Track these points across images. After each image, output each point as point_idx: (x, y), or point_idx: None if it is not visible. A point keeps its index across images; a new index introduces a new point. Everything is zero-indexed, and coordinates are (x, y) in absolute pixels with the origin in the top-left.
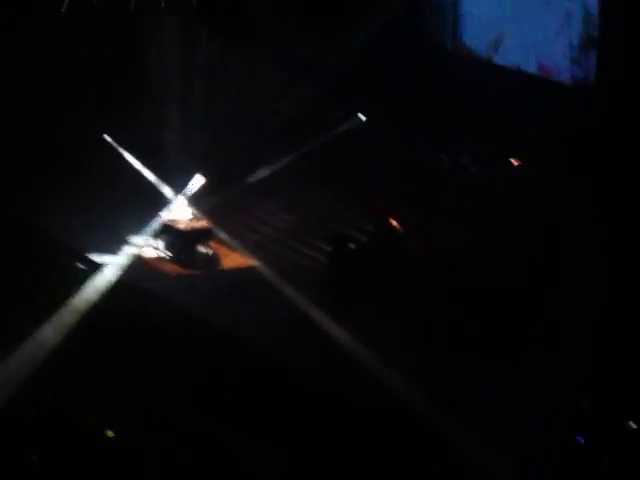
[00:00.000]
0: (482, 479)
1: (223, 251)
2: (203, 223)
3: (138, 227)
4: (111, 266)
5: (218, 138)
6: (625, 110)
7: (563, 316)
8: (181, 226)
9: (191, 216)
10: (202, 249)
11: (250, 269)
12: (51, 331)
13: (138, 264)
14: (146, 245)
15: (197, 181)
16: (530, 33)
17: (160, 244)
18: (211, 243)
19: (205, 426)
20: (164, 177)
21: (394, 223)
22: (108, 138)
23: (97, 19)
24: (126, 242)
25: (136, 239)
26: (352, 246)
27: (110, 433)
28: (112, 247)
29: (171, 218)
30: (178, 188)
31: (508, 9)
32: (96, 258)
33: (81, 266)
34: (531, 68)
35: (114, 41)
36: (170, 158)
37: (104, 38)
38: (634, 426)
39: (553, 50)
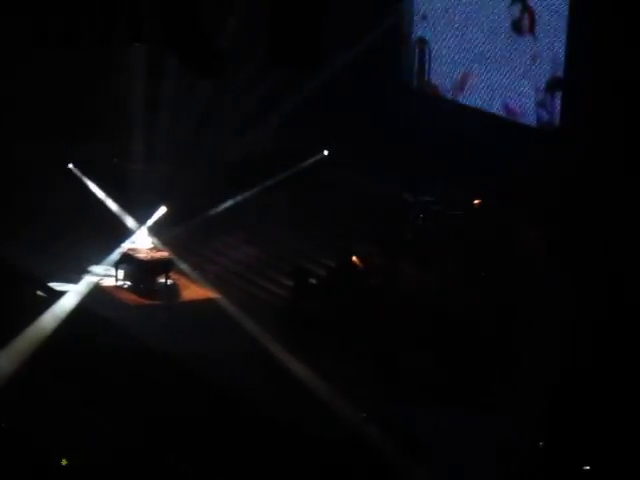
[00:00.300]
0: None
1: (183, 282)
2: (164, 253)
3: (99, 256)
4: (71, 294)
5: (182, 170)
6: (590, 153)
7: (521, 356)
8: (141, 256)
9: (152, 246)
10: (162, 279)
11: (210, 301)
12: (8, 358)
13: (98, 293)
14: (106, 274)
15: (160, 212)
16: (496, 74)
17: (120, 273)
18: (171, 274)
19: (156, 457)
20: (127, 207)
21: (355, 258)
22: (73, 168)
23: (64, 46)
24: (87, 271)
25: (97, 268)
26: (312, 281)
27: (64, 461)
28: (73, 276)
29: (132, 248)
30: (140, 218)
31: (475, 49)
32: (56, 286)
33: (41, 294)
34: (496, 109)
35: (79, 70)
36: (133, 189)
37: (69, 66)
38: (587, 468)
39: (519, 92)
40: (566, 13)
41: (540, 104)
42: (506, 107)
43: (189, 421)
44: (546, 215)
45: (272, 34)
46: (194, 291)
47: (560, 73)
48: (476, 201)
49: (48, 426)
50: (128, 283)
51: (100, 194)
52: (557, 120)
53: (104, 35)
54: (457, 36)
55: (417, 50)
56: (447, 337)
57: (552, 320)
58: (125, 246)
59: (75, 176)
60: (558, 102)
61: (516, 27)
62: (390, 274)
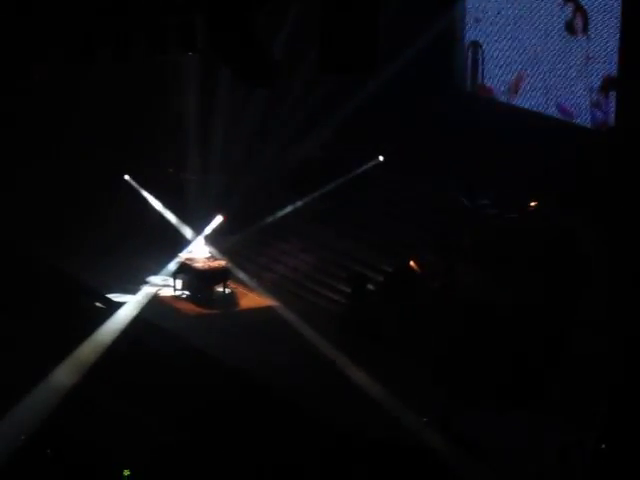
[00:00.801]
0: None
1: (241, 291)
2: (221, 262)
3: (157, 267)
4: (129, 305)
5: (238, 179)
6: None
7: (581, 358)
8: (199, 265)
9: (209, 255)
10: (219, 288)
11: (268, 309)
12: (69, 369)
13: (156, 303)
14: (164, 284)
15: (216, 221)
16: (550, 75)
17: (178, 283)
18: (229, 282)
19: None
20: (184, 217)
21: (412, 263)
22: (129, 179)
23: (114, 60)
24: (145, 281)
25: (155, 278)
26: (370, 287)
27: (126, 472)
28: (131, 287)
29: (189, 257)
30: (197, 228)
31: (528, 51)
32: (115, 297)
33: (100, 305)
34: (551, 110)
35: (134, 83)
36: (190, 199)
37: (124, 80)
38: None
39: (573, 92)
40: (619, 12)
41: (595, 104)
42: (560, 108)
43: (249, 428)
44: (606, 217)
45: (322, 42)
46: (252, 299)
47: (614, 72)
48: (532, 203)
49: (109, 437)
50: (186, 293)
51: (157, 205)
52: (612, 120)
53: (157, 47)
54: (510, 38)
55: (470, 53)
56: (507, 339)
57: (612, 322)
58: (182, 256)
59: (132, 187)
60: (613, 102)
61: (569, 28)
62: (449, 278)
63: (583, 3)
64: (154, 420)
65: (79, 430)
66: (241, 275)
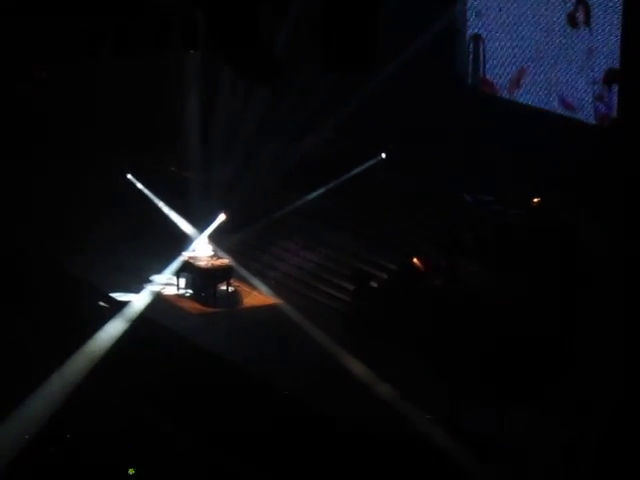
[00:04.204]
0: None
1: (244, 289)
2: (224, 261)
3: (160, 265)
4: (133, 304)
5: (240, 177)
6: None
7: (584, 355)
8: (202, 264)
9: (212, 254)
10: (223, 287)
11: (272, 307)
12: (73, 368)
13: (159, 302)
14: (167, 283)
15: (219, 219)
16: (552, 69)
17: (181, 282)
18: (232, 281)
19: (223, 464)
20: (186, 215)
21: (416, 260)
22: (131, 178)
23: (116, 56)
24: (148, 280)
25: (158, 277)
26: (374, 284)
27: (131, 471)
28: (134, 285)
29: (192, 256)
30: (200, 226)
31: (530, 45)
32: (118, 296)
33: (103, 304)
34: (554, 104)
35: (135, 80)
36: (193, 197)
37: (125, 77)
38: None
39: (576, 86)
40: (621, 3)
41: (597, 97)
42: (563, 101)
43: (253, 427)
44: (608, 214)
45: (324, 40)
46: (255, 297)
47: (617, 65)
48: (535, 200)
49: (114, 436)
50: (189, 291)
51: (159, 203)
52: (614, 112)
53: (158, 43)
54: (512, 32)
55: (472, 47)
56: (510, 337)
57: (615, 319)
58: (186, 254)
59: (134, 186)
60: (615, 94)
61: (571, 20)
62: (452, 275)
63: None
64: (158, 419)
65: (83, 429)
66: (244, 273)
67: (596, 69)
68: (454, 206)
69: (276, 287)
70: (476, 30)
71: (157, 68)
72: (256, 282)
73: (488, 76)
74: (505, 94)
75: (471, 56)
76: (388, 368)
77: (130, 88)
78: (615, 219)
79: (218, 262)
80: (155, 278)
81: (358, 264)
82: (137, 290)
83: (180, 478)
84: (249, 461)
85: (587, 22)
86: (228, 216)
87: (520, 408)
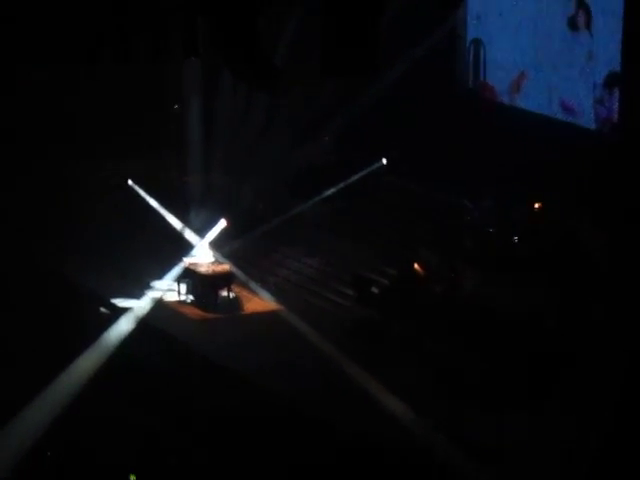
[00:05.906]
0: None
1: (245, 295)
2: (225, 267)
3: (161, 272)
4: (134, 310)
5: (241, 183)
6: None
7: (585, 358)
8: (203, 270)
9: (213, 260)
10: (224, 293)
11: (272, 313)
12: (74, 375)
13: (160, 308)
14: (168, 289)
15: (220, 225)
16: (552, 73)
17: (182, 288)
18: (233, 287)
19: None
20: (187, 222)
21: (416, 266)
22: (132, 184)
23: (117, 62)
24: (149, 287)
25: (159, 283)
26: (374, 289)
27: (133, 477)
28: (135, 292)
29: (193, 262)
30: (201, 232)
31: (530, 49)
32: (119, 303)
33: (104, 311)
34: (554, 108)
35: (135, 86)
36: (194, 203)
37: (125, 83)
38: None
39: (576, 89)
40: (622, 7)
41: (598, 101)
42: (563, 105)
43: (254, 434)
44: (609, 217)
45: (324, 45)
46: (256, 303)
47: (617, 69)
48: (536, 205)
49: (114, 443)
50: (190, 297)
51: (160, 209)
52: (615, 116)
53: (158, 50)
54: (512, 36)
55: (472, 51)
56: (511, 340)
57: (616, 322)
58: (187, 260)
59: (135, 192)
60: (616, 98)
61: (572, 23)
62: (452, 280)
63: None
64: (159, 426)
65: (84, 436)
66: (245, 279)
67: (597, 73)
68: (454, 211)
69: (277, 293)
70: (476, 34)
71: (158, 73)
72: (257, 288)
73: (488, 80)
74: (506, 98)
75: (471, 60)
76: (389, 373)
77: (131, 92)
78: (616, 223)
79: (219, 268)
80: (156, 284)
81: (360, 269)
82: (138, 296)
83: None
84: (250, 468)
85: (588, 26)
86: (229, 222)
87: (521, 411)
